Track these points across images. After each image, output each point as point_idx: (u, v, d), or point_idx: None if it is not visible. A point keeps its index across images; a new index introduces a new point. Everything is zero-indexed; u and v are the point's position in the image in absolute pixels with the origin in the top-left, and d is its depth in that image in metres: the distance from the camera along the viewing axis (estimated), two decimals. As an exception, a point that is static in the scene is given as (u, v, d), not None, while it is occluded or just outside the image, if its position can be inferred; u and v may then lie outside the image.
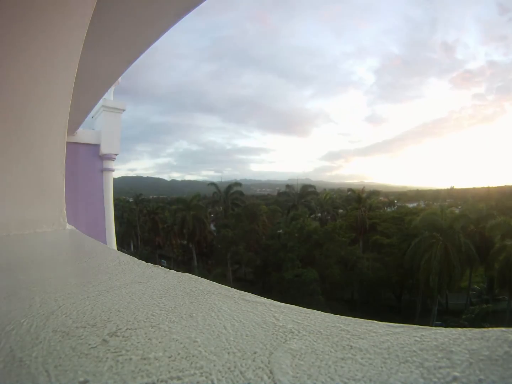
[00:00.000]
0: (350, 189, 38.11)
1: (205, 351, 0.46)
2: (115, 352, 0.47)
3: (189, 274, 0.84)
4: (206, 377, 0.40)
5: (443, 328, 0.48)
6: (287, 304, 0.62)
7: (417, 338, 0.46)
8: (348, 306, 24.14)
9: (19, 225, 1.55)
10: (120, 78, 3.69)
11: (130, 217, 39.88)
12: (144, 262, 0.98)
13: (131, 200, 45.34)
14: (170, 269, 0.90)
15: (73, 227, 1.78)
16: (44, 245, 1.40)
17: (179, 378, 0.41)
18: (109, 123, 5.11)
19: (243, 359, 0.44)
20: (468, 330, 0.47)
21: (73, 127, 4.39)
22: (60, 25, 1.54)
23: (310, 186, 37.48)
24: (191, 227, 30.82)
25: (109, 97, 5.04)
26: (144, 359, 0.45)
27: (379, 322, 0.52)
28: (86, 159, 4.97)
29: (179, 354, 0.46)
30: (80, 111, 3.68)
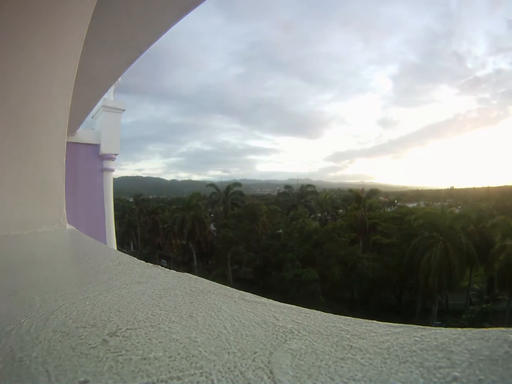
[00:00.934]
0: (350, 189, 38.13)
1: (205, 351, 0.46)
2: (115, 352, 0.47)
3: (189, 274, 0.84)
4: (206, 377, 0.40)
5: (443, 328, 0.48)
6: (287, 304, 0.62)
7: (417, 338, 0.46)
8: (348, 306, 24.15)
9: (19, 225, 1.55)
10: (120, 78, 3.69)
11: (130, 217, 39.88)
12: (144, 262, 0.98)
13: (131, 200, 45.34)
14: (170, 269, 0.90)
15: (73, 227, 1.78)
16: (44, 245, 1.40)
17: (179, 378, 0.41)
18: (109, 123, 5.10)
19: (243, 359, 0.44)
20: (468, 330, 0.47)
21: (73, 127, 4.39)
22: (60, 25, 1.53)
23: (310, 186, 37.49)
24: (190, 227, 30.82)
25: (109, 97, 5.04)
26: (144, 359, 0.45)
27: (379, 322, 0.52)
28: (86, 159, 4.97)
29: (179, 354, 0.46)
30: (80, 111, 3.68)
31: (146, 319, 0.57)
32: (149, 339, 0.50)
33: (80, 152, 4.84)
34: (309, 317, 0.56)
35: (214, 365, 0.43)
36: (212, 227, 35.20)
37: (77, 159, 4.79)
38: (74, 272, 0.95)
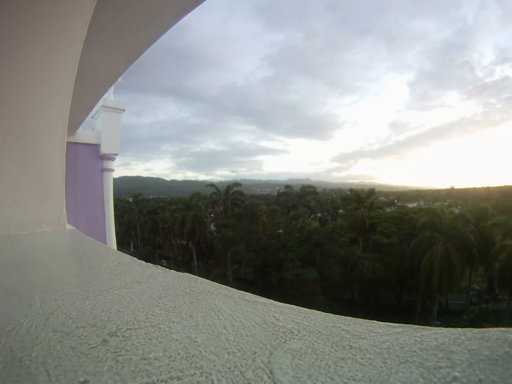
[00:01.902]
0: (350, 189, 38.15)
1: (205, 351, 0.46)
2: (115, 352, 0.47)
3: (189, 274, 0.84)
4: (206, 377, 0.40)
5: (443, 328, 0.48)
6: (287, 304, 0.61)
7: (417, 338, 0.46)
8: (348, 306, 24.15)
9: (19, 225, 1.55)
10: (120, 77, 3.69)
11: (130, 217, 39.87)
12: (144, 262, 0.98)
13: (131, 200, 45.34)
14: (170, 269, 0.90)
15: (73, 227, 1.78)
16: (44, 245, 1.40)
17: (179, 378, 0.41)
18: (109, 123, 5.10)
19: (243, 359, 0.44)
20: (468, 330, 0.47)
21: (73, 127, 4.39)
22: (60, 25, 1.53)
23: (310, 186, 37.49)
24: (190, 227, 30.82)
25: (109, 97, 5.04)
26: (144, 359, 0.45)
27: (379, 322, 0.52)
28: (86, 159, 4.97)
29: (179, 354, 0.46)
30: (80, 111, 3.68)
31: (146, 319, 0.57)
32: (149, 339, 0.50)
33: (80, 152, 4.84)
34: (309, 317, 0.56)
35: (214, 365, 0.43)
36: (212, 227, 35.20)
37: (77, 159, 4.79)
38: (74, 272, 0.95)
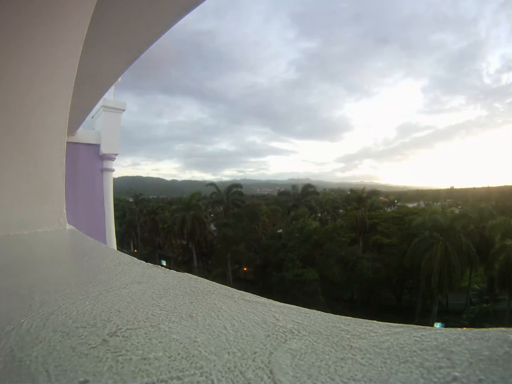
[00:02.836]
0: (351, 189, 38.16)
1: (205, 351, 0.46)
2: (115, 352, 0.47)
3: (189, 274, 0.84)
4: (206, 377, 0.40)
5: (443, 328, 0.48)
6: (287, 304, 0.61)
7: (417, 338, 0.46)
8: (348, 306, 24.14)
9: (19, 225, 1.55)
10: (120, 78, 3.69)
11: (130, 217, 39.87)
12: (144, 262, 0.98)
13: (131, 200, 45.34)
14: (170, 269, 0.90)
15: (73, 227, 1.78)
16: (44, 245, 1.40)
17: (179, 378, 0.41)
18: (109, 123, 5.10)
19: (243, 359, 0.44)
20: (468, 330, 0.47)
21: (73, 127, 4.39)
22: (60, 25, 1.53)
23: (310, 186, 37.50)
24: (190, 227, 30.81)
25: (109, 97, 5.04)
26: (144, 359, 0.45)
27: (379, 322, 0.52)
28: (86, 159, 4.97)
29: (179, 354, 0.46)
30: (80, 111, 3.68)
31: (146, 319, 0.57)
32: (149, 339, 0.50)
33: (80, 152, 4.84)
34: (309, 317, 0.56)
35: (214, 365, 0.43)
36: (212, 227, 35.20)
37: (77, 159, 4.79)
38: (74, 272, 0.95)
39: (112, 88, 5.00)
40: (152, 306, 0.63)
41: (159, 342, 0.49)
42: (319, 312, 0.58)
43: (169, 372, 0.42)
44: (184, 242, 34.93)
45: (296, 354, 0.44)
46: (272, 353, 0.45)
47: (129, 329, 0.53)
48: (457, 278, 21.05)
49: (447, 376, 0.37)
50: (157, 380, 0.40)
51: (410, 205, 43.22)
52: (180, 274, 0.85)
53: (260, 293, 0.67)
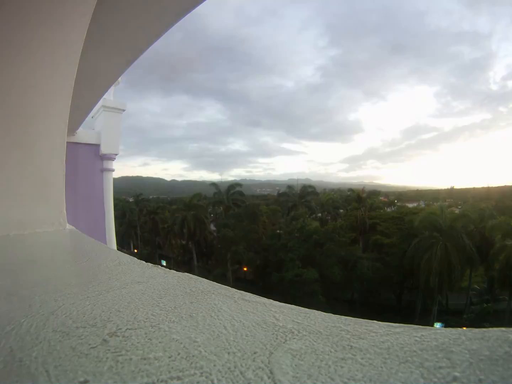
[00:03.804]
0: (351, 189, 38.17)
1: (205, 351, 0.46)
2: (115, 352, 0.47)
3: (189, 274, 0.84)
4: (206, 377, 0.40)
5: (443, 328, 0.48)
6: (287, 304, 0.61)
7: (417, 338, 0.46)
8: (348, 306, 24.14)
9: (19, 225, 1.55)
10: (120, 78, 3.69)
11: (130, 217, 39.86)
12: (144, 262, 0.98)
13: (131, 200, 45.32)
14: (170, 269, 0.90)
15: (73, 227, 1.78)
16: (44, 245, 1.40)
17: (179, 378, 0.41)
18: (109, 123, 5.10)
19: (243, 359, 0.44)
20: (468, 330, 0.47)
21: (73, 127, 4.39)
22: (60, 25, 1.53)
23: (310, 186, 37.50)
24: (191, 227, 30.81)
25: (109, 97, 5.03)
26: (144, 359, 0.45)
27: (379, 322, 0.52)
28: (86, 159, 4.97)
29: (179, 354, 0.46)
30: (80, 111, 3.68)
31: (146, 319, 0.57)
32: (149, 339, 0.50)
33: (80, 152, 4.84)
34: (309, 317, 0.56)
35: (214, 365, 0.43)
36: (212, 227, 35.20)
37: (77, 159, 4.79)
38: (74, 272, 0.95)
39: (112, 88, 5.00)
40: (152, 306, 0.63)
41: (159, 342, 0.49)
42: (319, 312, 0.58)
43: (169, 372, 0.42)
44: (184, 242, 34.93)
45: (296, 354, 0.44)
46: (272, 353, 0.45)
47: (129, 329, 0.53)
48: (457, 278, 21.04)
49: (447, 376, 0.37)
50: (157, 380, 0.40)
51: (410, 205, 43.22)
52: (180, 274, 0.85)
53: (260, 293, 0.67)
